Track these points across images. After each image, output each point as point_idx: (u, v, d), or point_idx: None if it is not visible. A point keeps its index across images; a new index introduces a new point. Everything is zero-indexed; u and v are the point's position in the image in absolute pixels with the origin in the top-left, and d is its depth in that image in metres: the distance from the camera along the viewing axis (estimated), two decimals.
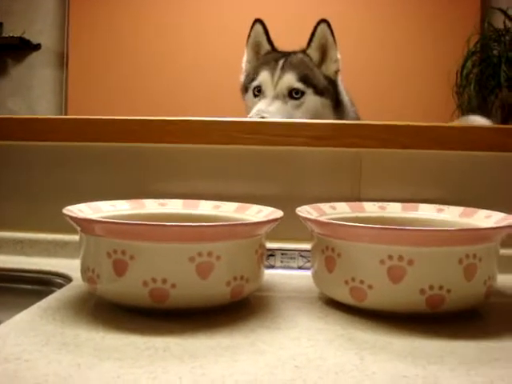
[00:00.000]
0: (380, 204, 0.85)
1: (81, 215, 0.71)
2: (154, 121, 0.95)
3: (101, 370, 0.50)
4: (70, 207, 0.72)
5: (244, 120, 0.94)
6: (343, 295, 0.67)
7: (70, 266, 0.85)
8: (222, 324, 0.62)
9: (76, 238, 0.70)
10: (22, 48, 3.73)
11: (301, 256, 0.89)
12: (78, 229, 0.67)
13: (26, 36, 3.69)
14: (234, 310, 0.67)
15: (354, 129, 0.93)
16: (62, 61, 3.85)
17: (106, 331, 0.59)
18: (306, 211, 0.75)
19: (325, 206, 0.81)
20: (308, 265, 0.85)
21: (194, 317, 0.63)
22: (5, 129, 0.99)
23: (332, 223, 0.70)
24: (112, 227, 0.63)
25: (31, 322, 0.62)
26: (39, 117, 1.00)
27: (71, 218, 0.67)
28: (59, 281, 0.84)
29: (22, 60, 3.80)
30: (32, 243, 0.94)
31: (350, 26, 3.65)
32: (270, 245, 0.74)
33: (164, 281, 0.61)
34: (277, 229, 0.71)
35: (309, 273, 0.75)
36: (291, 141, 0.92)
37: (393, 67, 3.59)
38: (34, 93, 3.78)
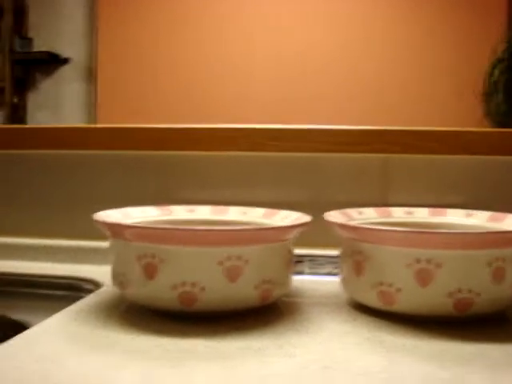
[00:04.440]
0: (407, 209, 0.85)
1: (111, 220, 0.72)
2: (181, 129, 0.96)
3: (130, 371, 0.50)
4: (99, 213, 0.73)
5: (269, 127, 0.94)
6: (371, 299, 0.67)
7: (99, 271, 0.86)
8: (250, 327, 0.63)
9: (104, 244, 0.71)
10: (51, 62, 3.78)
11: (329, 262, 0.89)
12: (108, 234, 0.68)
13: (55, 50, 3.75)
14: (263, 314, 0.67)
15: (381, 134, 0.93)
16: (91, 74, 3.90)
17: (136, 333, 0.60)
18: (333, 216, 0.75)
19: (352, 212, 0.81)
20: (336, 271, 0.85)
21: (223, 320, 0.64)
22: (34, 138, 1.01)
23: (359, 227, 0.70)
24: (142, 232, 0.64)
25: (63, 324, 0.63)
26: (68, 126, 1.01)
27: (101, 223, 0.68)
28: (88, 287, 0.85)
29: (51, 74, 3.85)
30: (61, 250, 0.95)
31: (375, 32, 3.66)
32: (298, 251, 0.74)
33: (193, 284, 0.61)
34: (305, 235, 0.71)
35: (337, 279, 0.75)
36: (318, 147, 0.92)
37: (419, 74, 3.59)
38: (63, 107, 3.84)
